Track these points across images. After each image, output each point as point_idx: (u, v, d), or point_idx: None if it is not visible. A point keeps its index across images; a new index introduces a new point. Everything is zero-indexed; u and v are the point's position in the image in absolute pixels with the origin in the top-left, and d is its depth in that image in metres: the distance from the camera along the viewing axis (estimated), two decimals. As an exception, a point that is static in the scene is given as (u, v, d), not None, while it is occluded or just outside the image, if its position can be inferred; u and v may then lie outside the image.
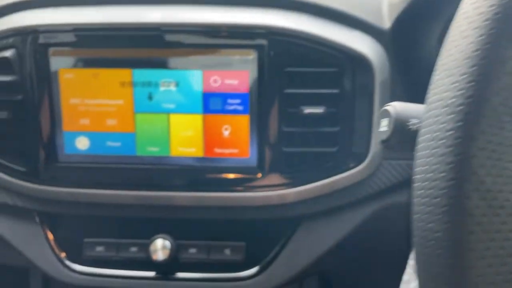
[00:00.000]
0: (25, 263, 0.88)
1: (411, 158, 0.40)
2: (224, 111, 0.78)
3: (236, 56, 0.75)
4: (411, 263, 0.78)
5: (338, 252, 0.84)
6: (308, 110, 0.75)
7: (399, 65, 0.75)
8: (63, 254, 0.92)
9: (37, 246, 0.87)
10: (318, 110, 0.75)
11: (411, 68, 0.76)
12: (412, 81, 0.76)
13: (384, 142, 0.48)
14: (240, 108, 0.77)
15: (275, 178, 0.79)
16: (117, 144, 0.81)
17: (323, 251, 0.84)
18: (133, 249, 0.91)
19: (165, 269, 0.88)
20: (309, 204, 0.81)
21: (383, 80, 0.74)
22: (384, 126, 0.48)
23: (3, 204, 0.85)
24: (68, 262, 0.92)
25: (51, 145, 0.80)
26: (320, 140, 0.77)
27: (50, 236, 0.93)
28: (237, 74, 0.76)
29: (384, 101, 0.74)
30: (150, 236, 0.85)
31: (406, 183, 0.79)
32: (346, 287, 1.00)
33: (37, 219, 0.87)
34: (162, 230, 0.85)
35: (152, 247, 0.88)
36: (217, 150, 0.80)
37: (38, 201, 0.85)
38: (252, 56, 0.75)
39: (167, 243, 0.88)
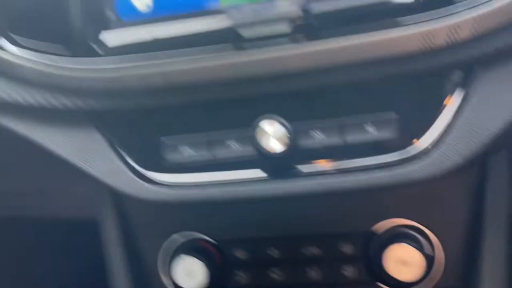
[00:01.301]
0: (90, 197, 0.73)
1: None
2: None
3: None
4: None
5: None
6: None
7: None
8: (135, 163, 0.66)
9: (102, 158, 0.69)
10: None
11: None
12: None
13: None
14: None
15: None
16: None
17: None
18: (231, 142, 0.64)
19: (283, 164, 0.64)
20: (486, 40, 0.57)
21: None
22: None
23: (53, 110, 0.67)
24: (144, 171, 0.66)
25: None
26: None
27: (114, 140, 0.68)
28: None
29: None
30: (252, 120, 0.62)
31: None
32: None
33: (94, 124, 0.70)
34: (268, 111, 0.63)
35: (259, 135, 0.60)
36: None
37: (93, 95, 0.65)
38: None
39: (280, 127, 0.60)
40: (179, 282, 0.72)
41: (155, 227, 0.76)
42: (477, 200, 0.66)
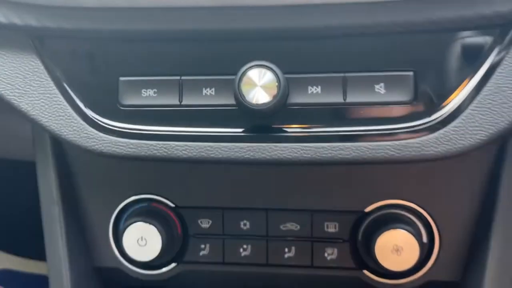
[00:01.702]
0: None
1: None
2: None
3: None
4: None
5: None
6: None
7: None
8: (85, 106, 0.54)
9: (42, 94, 0.56)
10: None
11: None
12: None
13: None
14: None
15: None
16: None
17: None
18: (207, 90, 0.51)
19: (267, 122, 0.53)
20: None
21: None
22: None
23: None
24: (96, 116, 0.54)
25: None
26: None
27: (60, 75, 0.54)
28: None
29: None
30: (238, 67, 0.50)
31: None
32: None
33: (35, 51, 0.56)
34: (258, 57, 0.50)
35: (242, 82, 0.48)
36: None
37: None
38: None
39: (269, 74, 0.48)
40: (131, 252, 0.61)
41: (106, 187, 0.64)
42: (490, 186, 0.57)
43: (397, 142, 0.50)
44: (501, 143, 0.56)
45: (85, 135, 0.54)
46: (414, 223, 0.59)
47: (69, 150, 0.63)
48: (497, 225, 0.56)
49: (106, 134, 0.54)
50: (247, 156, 0.52)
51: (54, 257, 0.63)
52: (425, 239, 0.59)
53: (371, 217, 0.60)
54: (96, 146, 0.54)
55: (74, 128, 0.54)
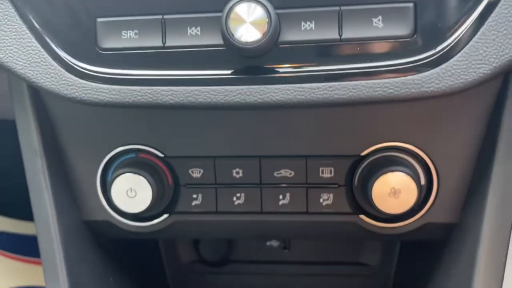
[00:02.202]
0: None
1: None
2: None
3: None
4: None
5: None
6: None
7: None
8: (61, 49, 0.50)
9: (13, 38, 0.52)
10: None
11: None
12: None
13: None
14: None
15: None
16: None
17: None
18: (192, 29, 0.48)
19: (257, 62, 0.49)
20: None
21: None
22: None
23: None
24: (73, 61, 0.50)
25: None
26: None
27: (32, 15, 0.51)
28: None
29: None
30: (224, 3, 0.46)
31: None
32: None
33: None
34: None
35: (230, 19, 0.45)
36: None
37: None
38: None
39: (259, 9, 0.45)
40: (120, 204, 0.59)
41: (90, 138, 0.61)
42: (491, 127, 0.54)
43: (396, 79, 0.47)
44: (503, 80, 0.53)
45: (64, 82, 0.51)
46: (412, 165, 0.57)
47: (48, 99, 0.59)
48: (497, 166, 0.54)
49: (86, 80, 0.50)
50: (237, 99, 0.49)
51: (41, 211, 0.60)
52: (423, 181, 0.57)
53: (367, 160, 0.58)
54: (76, 93, 0.51)
55: (52, 75, 0.51)
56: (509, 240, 0.54)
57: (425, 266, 0.72)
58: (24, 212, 1.36)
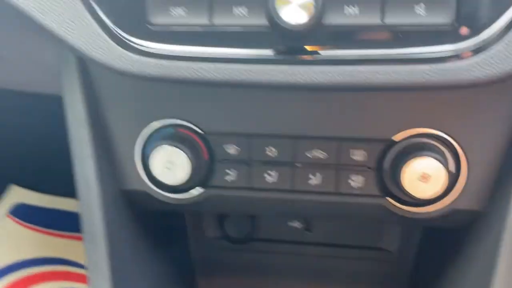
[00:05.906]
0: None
1: None
2: None
3: None
4: None
5: None
6: None
7: None
8: (112, 23, 0.52)
9: (67, 10, 0.53)
10: None
11: None
12: None
13: None
14: None
15: None
16: None
17: None
18: (239, 9, 0.50)
19: (300, 44, 0.51)
20: None
21: None
22: None
23: None
24: (124, 35, 0.52)
25: None
26: None
27: None
28: None
29: None
30: None
31: None
32: None
33: None
34: None
35: (278, 3, 0.47)
36: None
37: None
38: None
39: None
40: (158, 175, 0.61)
41: (132, 110, 0.63)
42: None
43: (434, 66, 0.49)
44: None
45: (115, 55, 0.53)
46: (442, 151, 0.59)
47: (95, 72, 0.62)
48: None
49: (136, 54, 0.53)
50: (279, 79, 0.51)
51: (83, 177, 0.63)
52: (452, 168, 0.59)
53: (399, 145, 0.59)
54: (126, 66, 0.53)
55: (103, 48, 0.53)
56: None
57: (446, 253, 0.73)
58: (53, 188, 1.41)
